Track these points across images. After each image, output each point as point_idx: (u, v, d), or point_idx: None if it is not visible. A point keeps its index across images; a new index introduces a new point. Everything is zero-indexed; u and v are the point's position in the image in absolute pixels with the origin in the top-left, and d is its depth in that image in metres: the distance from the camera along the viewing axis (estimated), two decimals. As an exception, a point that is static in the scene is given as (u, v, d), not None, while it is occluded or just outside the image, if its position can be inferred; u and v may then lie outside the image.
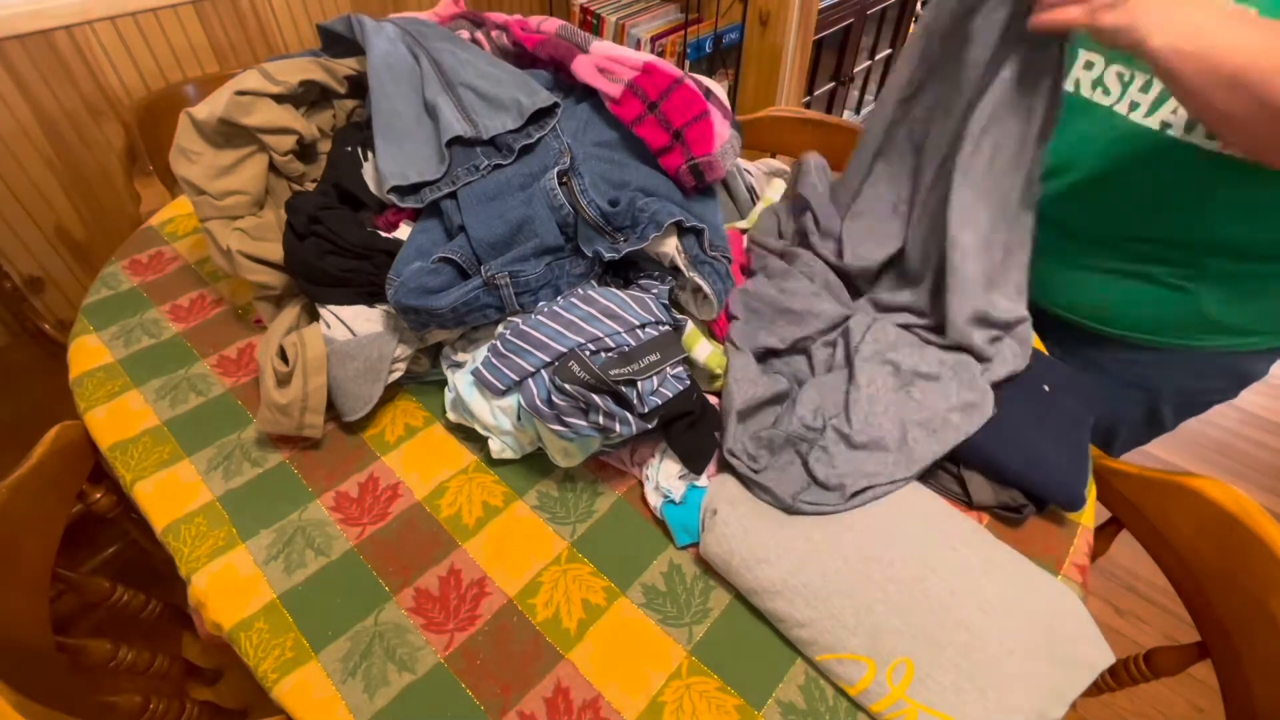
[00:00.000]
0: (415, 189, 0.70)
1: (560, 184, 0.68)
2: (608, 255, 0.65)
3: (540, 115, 0.74)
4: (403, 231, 0.72)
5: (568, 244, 0.69)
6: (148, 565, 1.19)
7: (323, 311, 0.71)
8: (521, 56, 0.85)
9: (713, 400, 0.66)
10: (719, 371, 0.68)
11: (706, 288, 0.66)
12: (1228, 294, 0.68)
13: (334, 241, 0.69)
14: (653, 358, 0.61)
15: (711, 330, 0.71)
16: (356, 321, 0.70)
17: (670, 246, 0.65)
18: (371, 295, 0.71)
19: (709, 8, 1.80)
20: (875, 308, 0.74)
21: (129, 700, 0.64)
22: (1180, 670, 0.63)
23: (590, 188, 0.68)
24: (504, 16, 0.89)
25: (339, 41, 0.85)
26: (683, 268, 0.66)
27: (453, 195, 0.69)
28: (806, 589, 0.52)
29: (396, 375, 0.69)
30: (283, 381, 0.65)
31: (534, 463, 0.66)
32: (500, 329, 0.66)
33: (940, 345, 0.67)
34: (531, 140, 0.72)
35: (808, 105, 2.16)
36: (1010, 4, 0.60)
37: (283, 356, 0.68)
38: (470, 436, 0.68)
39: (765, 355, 0.70)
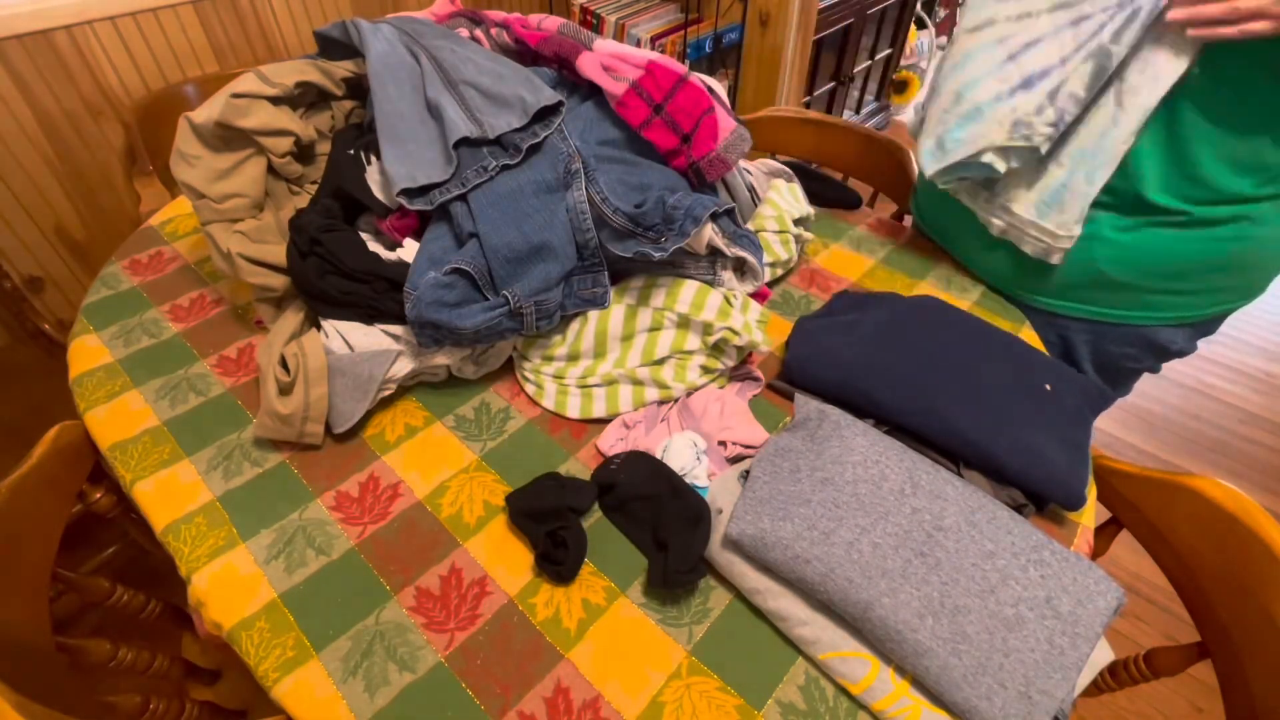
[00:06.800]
0: (424, 190, 0.70)
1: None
2: (656, 255, 0.67)
3: (544, 114, 0.73)
4: (405, 252, 0.72)
5: (581, 263, 0.71)
6: (148, 565, 1.19)
7: (324, 322, 0.71)
8: (523, 54, 0.85)
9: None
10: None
11: (750, 257, 0.71)
12: None
13: (334, 264, 0.69)
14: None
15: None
16: (354, 335, 0.70)
17: (708, 232, 0.69)
18: (370, 317, 0.71)
19: (709, 8, 1.80)
20: None
21: (129, 700, 0.64)
22: (1180, 670, 0.63)
23: (610, 195, 0.69)
24: (503, 14, 0.88)
25: (336, 46, 0.84)
26: (723, 248, 0.70)
27: (462, 198, 0.69)
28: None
29: (386, 394, 0.70)
30: (284, 391, 0.65)
31: (535, 462, 0.66)
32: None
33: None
34: (538, 139, 0.72)
35: (808, 105, 2.16)
36: None
37: (283, 365, 0.68)
38: (470, 436, 0.68)
39: None
